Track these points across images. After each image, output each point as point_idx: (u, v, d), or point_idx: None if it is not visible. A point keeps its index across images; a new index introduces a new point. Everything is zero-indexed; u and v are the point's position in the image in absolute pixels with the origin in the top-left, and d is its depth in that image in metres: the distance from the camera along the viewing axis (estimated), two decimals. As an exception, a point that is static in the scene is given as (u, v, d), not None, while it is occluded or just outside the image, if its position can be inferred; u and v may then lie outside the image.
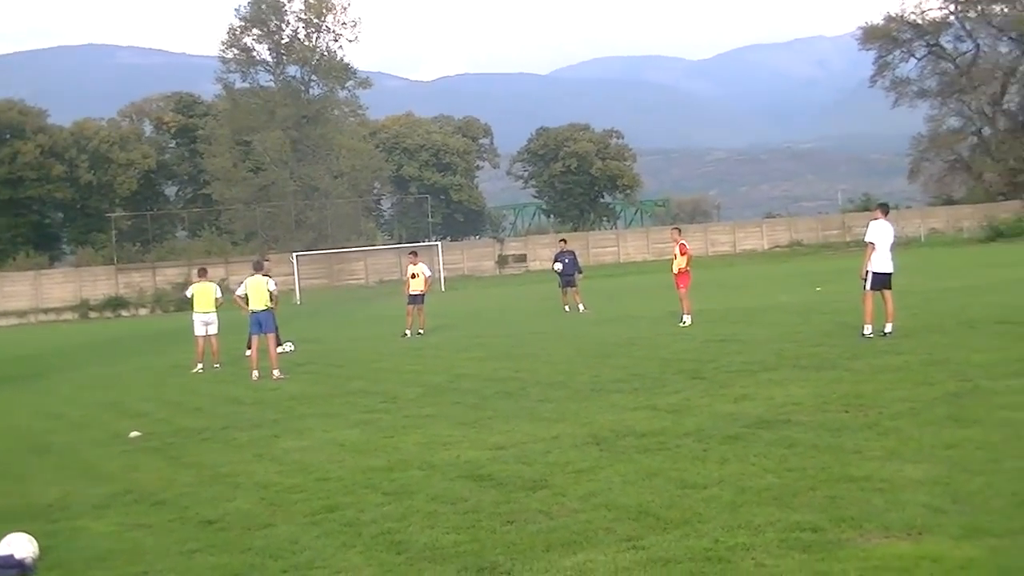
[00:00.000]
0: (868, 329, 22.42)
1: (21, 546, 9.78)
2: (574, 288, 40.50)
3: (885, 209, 24.24)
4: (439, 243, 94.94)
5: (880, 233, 23.07)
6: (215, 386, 24.92)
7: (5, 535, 10.04)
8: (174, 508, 11.80)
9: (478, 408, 17.21)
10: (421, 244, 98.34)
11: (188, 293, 30.08)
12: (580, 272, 41.28)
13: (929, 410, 13.46)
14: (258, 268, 27.22)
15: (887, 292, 22.79)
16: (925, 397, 14.43)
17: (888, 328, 22.42)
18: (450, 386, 20.58)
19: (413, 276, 35.75)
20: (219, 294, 29.20)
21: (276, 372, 25.27)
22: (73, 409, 22.58)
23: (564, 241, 43.45)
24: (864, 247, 23.56)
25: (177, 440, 16.74)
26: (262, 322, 26.16)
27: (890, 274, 22.99)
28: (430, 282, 37.04)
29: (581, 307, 39.54)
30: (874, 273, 22.82)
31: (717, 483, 10.59)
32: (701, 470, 11.23)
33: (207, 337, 29.09)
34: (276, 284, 27.45)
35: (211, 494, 12.37)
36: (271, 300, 26.42)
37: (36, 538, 10.11)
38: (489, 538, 9.40)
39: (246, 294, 26.51)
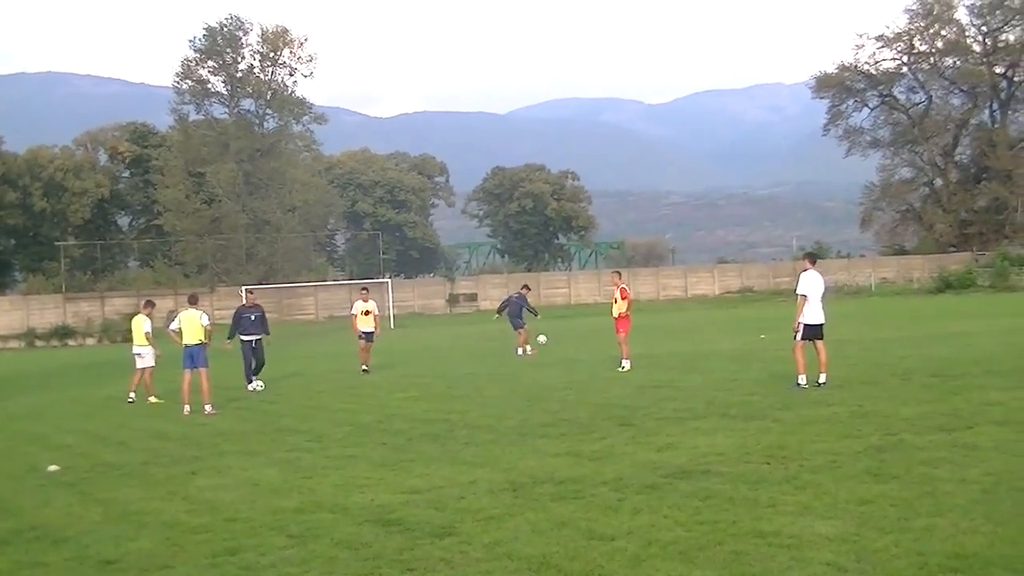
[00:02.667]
0: (803, 379, 22.35)
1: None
2: (524, 330, 40.47)
3: (813, 259, 24.22)
4: (389, 280, 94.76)
5: (811, 284, 23.04)
6: (144, 420, 24.61)
7: None
8: (75, 546, 11.56)
9: (402, 450, 17.03)
10: (372, 280, 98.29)
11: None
12: (535, 314, 41.41)
13: (850, 464, 13.38)
14: (193, 302, 26.97)
15: (819, 342, 22.75)
16: (848, 450, 14.35)
17: (822, 379, 22.36)
18: (378, 426, 20.38)
19: (365, 313, 35.51)
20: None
21: (208, 407, 25.00)
22: (-5, 440, 22.23)
23: (527, 287, 43.30)
24: (795, 299, 23.52)
25: (93, 475, 16.47)
26: (194, 356, 25.87)
27: (821, 324, 22.93)
28: (379, 319, 36.74)
29: (527, 349, 39.51)
30: (805, 325, 22.78)
31: (625, 535, 10.45)
32: (612, 520, 11.09)
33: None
34: (209, 319, 27.15)
35: (115, 532, 12.14)
36: (205, 335, 26.16)
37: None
38: (385, 587, 9.21)
39: (180, 328, 26.24)
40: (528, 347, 39.65)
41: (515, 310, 40.51)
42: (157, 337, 30.29)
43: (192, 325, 26.13)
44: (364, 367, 34.78)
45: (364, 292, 37.07)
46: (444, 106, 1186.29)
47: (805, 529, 10.23)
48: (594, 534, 10.55)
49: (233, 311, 32.27)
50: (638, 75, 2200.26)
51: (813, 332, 22.76)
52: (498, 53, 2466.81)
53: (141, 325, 29.72)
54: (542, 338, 41.57)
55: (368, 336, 35.39)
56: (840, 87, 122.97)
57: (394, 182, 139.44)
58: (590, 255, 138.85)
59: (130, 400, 28.63)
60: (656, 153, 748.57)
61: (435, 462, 15.57)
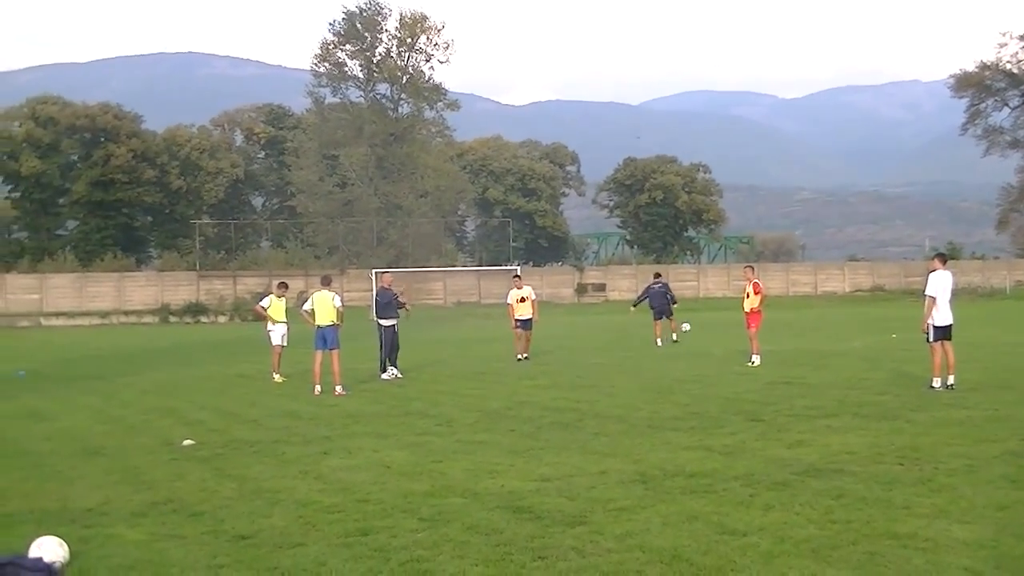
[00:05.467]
0: (937, 382, 22.05)
1: (51, 550, 9.72)
2: (670, 318, 40.45)
3: (944, 259, 23.75)
4: (518, 268, 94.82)
5: (939, 285, 22.66)
6: (276, 399, 24.89)
7: (39, 537, 10.01)
8: (210, 520, 11.75)
9: (531, 437, 17.09)
10: (501, 268, 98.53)
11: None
12: (674, 302, 41.34)
13: (986, 468, 13.20)
14: (326, 283, 27.24)
15: (948, 344, 22.38)
16: (984, 454, 14.15)
17: (951, 380, 22.04)
18: (507, 413, 20.46)
19: (521, 300, 35.11)
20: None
21: (338, 388, 25.29)
22: (131, 413, 22.64)
23: (658, 275, 43.28)
24: (923, 299, 23.19)
25: (226, 451, 16.73)
26: (327, 337, 26.16)
27: (950, 326, 22.57)
28: (536, 304, 36.07)
29: (673, 335, 39.60)
30: (934, 327, 22.44)
31: (757, 531, 10.40)
32: (744, 516, 11.05)
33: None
34: (342, 300, 27.44)
35: (249, 509, 12.33)
36: (337, 316, 26.43)
37: (68, 543, 10.09)
38: (517, 573, 9.28)
39: (312, 309, 26.55)
40: (674, 334, 39.71)
41: (658, 300, 40.34)
42: (289, 317, 30.73)
43: (325, 306, 26.43)
44: (522, 355, 34.27)
45: (517, 279, 36.67)
46: (577, 95, 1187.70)
47: (941, 533, 10.12)
48: (725, 529, 10.52)
49: (374, 293, 31.89)
50: (772, 69, 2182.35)
51: (942, 333, 22.42)
52: (632, 43, 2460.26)
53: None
54: (686, 326, 41.31)
55: (526, 324, 34.92)
56: (980, 86, 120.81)
57: (525, 170, 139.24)
58: (719, 249, 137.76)
59: (278, 380, 29.09)
60: (787, 148, 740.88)
61: (565, 451, 15.61)
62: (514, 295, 35.48)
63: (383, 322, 29.96)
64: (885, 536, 10.05)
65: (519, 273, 39.10)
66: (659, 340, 39.59)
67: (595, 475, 13.56)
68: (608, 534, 10.48)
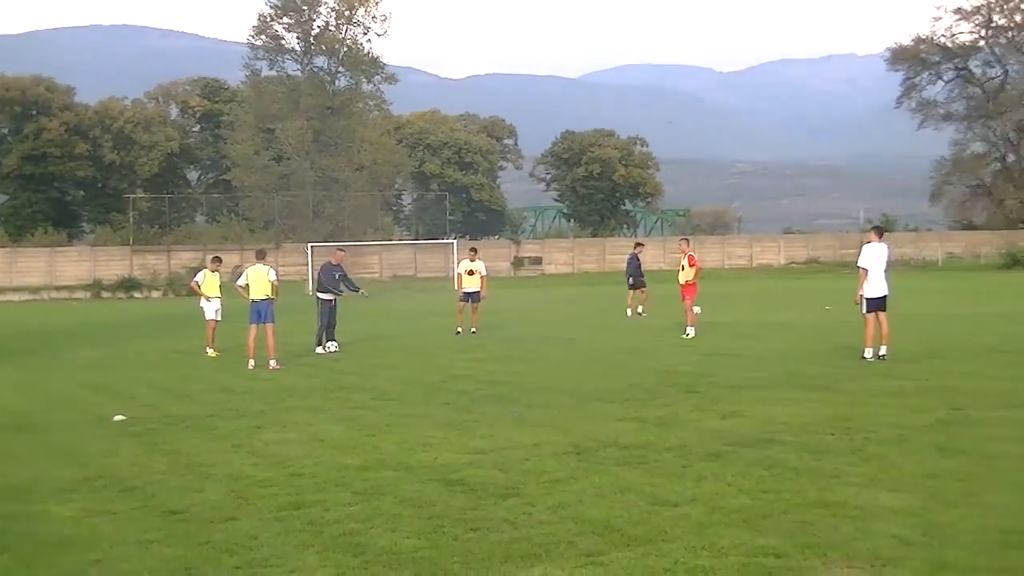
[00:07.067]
0: (868, 352, 22.27)
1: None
2: (641, 290, 40.47)
3: (880, 232, 24.04)
4: (454, 241, 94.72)
5: (872, 257, 22.88)
6: (210, 374, 24.77)
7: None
8: (141, 496, 11.66)
9: (466, 410, 17.10)
10: (438, 241, 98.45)
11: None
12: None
13: (916, 437, 13.32)
14: (260, 257, 27.11)
15: (882, 315, 22.60)
16: (914, 424, 14.28)
17: (883, 351, 22.27)
18: (443, 386, 20.47)
19: (470, 272, 34.87)
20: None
21: (272, 362, 25.20)
22: (62, 388, 22.47)
23: (640, 244, 43.66)
24: (857, 271, 23.37)
25: (159, 426, 16.61)
26: (261, 311, 26.02)
27: (884, 297, 22.77)
28: (486, 281, 35.65)
29: (640, 309, 39.81)
30: (866, 298, 22.64)
31: (689, 501, 10.44)
32: (676, 487, 11.08)
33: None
34: (277, 274, 27.31)
35: (181, 483, 12.25)
36: (272, 290, 26.30)
37: (-6, 520, 9.98)
38: (449, 545, 9.25)
39: (247, 283, 26.40)
40: (640, 307, 39.73)
41: (633, 269, 40.48)
42: (223, 292, 30.59)
43: (259, 280, 26.28)
44: (459, 329, 34.06)
45: (472, 252, 36.18)
46: (515, 68, 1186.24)
47: (871, 501, 10.20)
48: (658, 500, 10.54)
49: (295, 269, 31.89)
50: (711, 43, 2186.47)
51: (876, 305, 22.64)
52: (571, 16, 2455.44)
53: (214, 280, 30.03)
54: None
55: (471, 297, 34.71)
56: (915, 60, 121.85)
57: (462, 144, 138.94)
58: (656, 222, 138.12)
59: (212, 354, 28.95)
60: (726, 122, 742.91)
61: (499, 423, 15.62)
62: (464, 266, 35.39)
63: (322, 296, 29.83)
64: (816, 505, 10.11)
65: (475, 247, 38.72)
66: (629, 311, 39.80)
67: (529, 447, 13.57)
68: (541, 506, 10.48)
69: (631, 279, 40.62)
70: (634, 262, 40.76)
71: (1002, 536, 8.91)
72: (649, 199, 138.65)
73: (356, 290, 31.20)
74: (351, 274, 33.31)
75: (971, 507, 9.85)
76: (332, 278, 30.11)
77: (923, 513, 9.70)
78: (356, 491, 11.47)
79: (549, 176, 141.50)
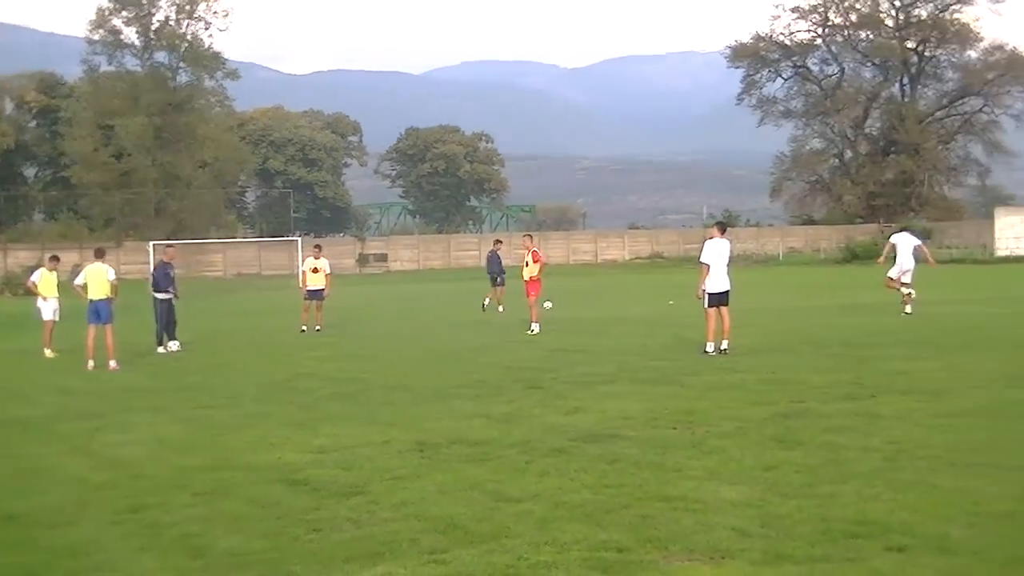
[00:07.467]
0: (710, 346, 22.58)
1: None
2: (501, 287, 40.62)
3: (723, 228, 24.39)
4: (299, 239, 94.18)
5: (714, 253, 23.25)
6: (48, 375, 24.34)
7: None
8: (-23, 501, 11.39)
9: (311, 409, 17.01)
10: (282, 239, 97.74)
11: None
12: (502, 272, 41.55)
13: (757, 430, 13.52)
14: (99, 256, 26.66)
15: (724, 309, 22.95)
16: (755, 417, 14.50)
17: (724, 345, 22.63)
18: (288, 385, 20.37)
19: (314, 270, 34.51)
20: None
21: (112, 363, 24.78)
22: None
23: (499, 241, 43.93)
24: (699, 266, 23.71)
25: (-4, 430, 16.25)
26: (100, 311, 25.57)
27: (726, 292, 23.13)
28: (331, 279, 35.35)
29: (500, 307, 39.92)
30: (708, 293, 23.00)
31: (532, 497, 10.48)
32: (520, 483, 11.12)
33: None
34: (117, 273, 26.87)
35: (20, 487, 12.01)
36: (111, 290, 25.86)
37: None
38: (292, 546, 9.18)
39: (85, 283, 25.90)
40: (500, 305, 39.84)
41: (495, 266, 40.74)
42: (61, 291, 30.00)
43: (98, 279, 25.80)
44: (304, 327, 33.69)
45: (316, 249, 36.09)
46: (359, 64, 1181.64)
47: (711, 494, 10.32)
48: (502, 496, 10.57)
49: (136, 267, 31.54)
50: (555, 39, 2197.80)
51: (717, 299, 22.99)
52: (413, 12, 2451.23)
53: (51, 279, 29.50)
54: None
55: (315, 295, 34.34)
56: (755, 57, 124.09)
57: (306, 140, 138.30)
58: (502, 218, 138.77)
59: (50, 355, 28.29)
60: (571, 118, 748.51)
61: (345, 421, 15.55)
62: (309, 263, 35.10)
63: (159, 295, 29.40)
64: (657, 499, 10.21)
65: (319, 245, 38.52)
66: (486, 302, 40.08)
67: (374, 445, 13.52)
68: (384, 504, 10.45)
69: (496, 276, 40.87)
70: (495, 259, 41.08)
71: (839, 526, 9.08)
72: (495, 195, 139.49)
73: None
74: (197, 271, 33.00)
75: (809, 498, 10.01)
76: (167, 276, 29.74)
77: (762, 505, 9.84)
78: (197, 492, 11.32)
79: (394, 173, 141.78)
